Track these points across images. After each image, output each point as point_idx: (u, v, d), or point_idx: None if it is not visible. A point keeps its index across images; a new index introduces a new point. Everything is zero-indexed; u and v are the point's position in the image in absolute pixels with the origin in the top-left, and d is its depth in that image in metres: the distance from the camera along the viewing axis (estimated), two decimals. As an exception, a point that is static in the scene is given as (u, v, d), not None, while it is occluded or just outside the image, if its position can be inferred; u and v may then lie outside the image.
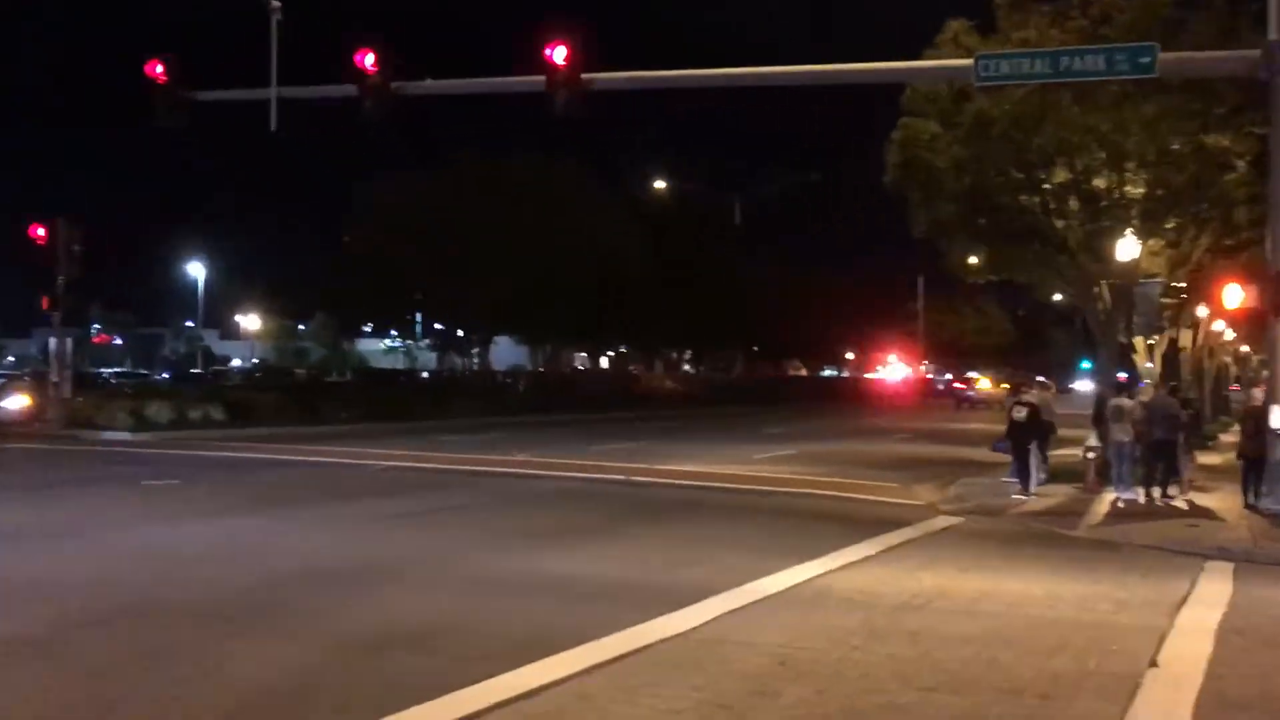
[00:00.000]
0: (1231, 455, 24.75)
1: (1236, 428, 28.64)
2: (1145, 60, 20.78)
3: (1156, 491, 22.10)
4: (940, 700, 8.84)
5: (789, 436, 42.38)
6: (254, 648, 9.98)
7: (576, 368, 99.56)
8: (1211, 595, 13.36)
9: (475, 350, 70.85)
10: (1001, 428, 25.23)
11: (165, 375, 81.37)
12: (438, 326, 76.04)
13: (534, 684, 8.94)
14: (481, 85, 25.40)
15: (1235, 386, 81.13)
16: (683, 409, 65.50)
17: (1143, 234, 27.49)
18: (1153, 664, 10.13)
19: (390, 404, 49.90)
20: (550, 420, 51.00)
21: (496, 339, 72.91)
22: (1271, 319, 20.45)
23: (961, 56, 24.48)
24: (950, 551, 16.29)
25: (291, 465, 27.76)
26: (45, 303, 39.49)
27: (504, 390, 68.54)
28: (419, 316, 77.01)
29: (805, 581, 13.48)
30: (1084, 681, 9.47)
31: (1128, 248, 26.95)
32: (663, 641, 10.39)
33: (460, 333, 71.37)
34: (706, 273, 72.32)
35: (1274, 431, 20.19)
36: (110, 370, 78.75)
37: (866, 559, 15.30)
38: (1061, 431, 27.63)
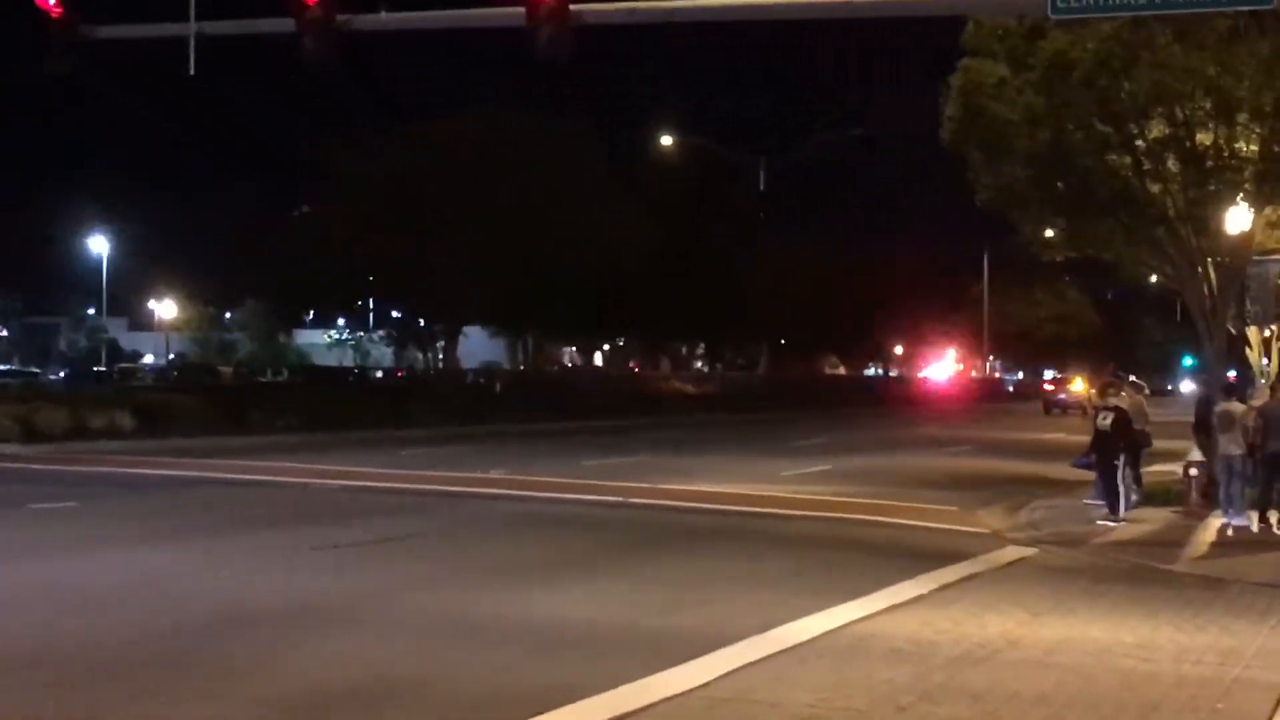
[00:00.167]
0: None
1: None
2: (1261, -12, 20.73)
3: (1274, 516, 22.03)
4: (1007, 773, 8.81)
5: (824, 449, 42.34)
6: (166, 710, 9.93)
7: (566, 364, 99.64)
8: (1341, 644, 13.32)
9: (440, 343, 70.76)
10: (1088, 438, 25.18)
11: (61, 374, 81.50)
12: (395, 315, 76.03)
13: (507, 753, 8.92)
14: (448, 19, 25.30)
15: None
16: (696, 416, 65.51)
17: (1258, 201, 27.41)
18: (1268, 728, 10.12)
19: (337, 409, 50.03)
20: (534, 430, 51.01)
21: (466, 330, 72.85)
22: None
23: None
24: (1020, 591, 16.23)
25: (215, 485, 27.73)
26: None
27: (476, 392, 68.61)
28: (371, 302, 77.00)
29: (842, 627, 13.45)
30: (1184, 750, 9.44)
31: (1239, 218, 26.89)
32: (666, 701, 10.35)
33: (422, 322, 71.31)
34: (724, 250, 72.33)
35: None
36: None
37: (918, 599, 15.25)
38: (1158, 443, 27.58)
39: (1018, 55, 27.59)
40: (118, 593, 14.78)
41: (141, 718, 9.74)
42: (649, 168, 73.38)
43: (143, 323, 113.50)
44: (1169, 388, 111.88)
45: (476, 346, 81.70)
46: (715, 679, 11.07)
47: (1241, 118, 26.59)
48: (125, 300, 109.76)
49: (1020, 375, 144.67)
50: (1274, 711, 10.57)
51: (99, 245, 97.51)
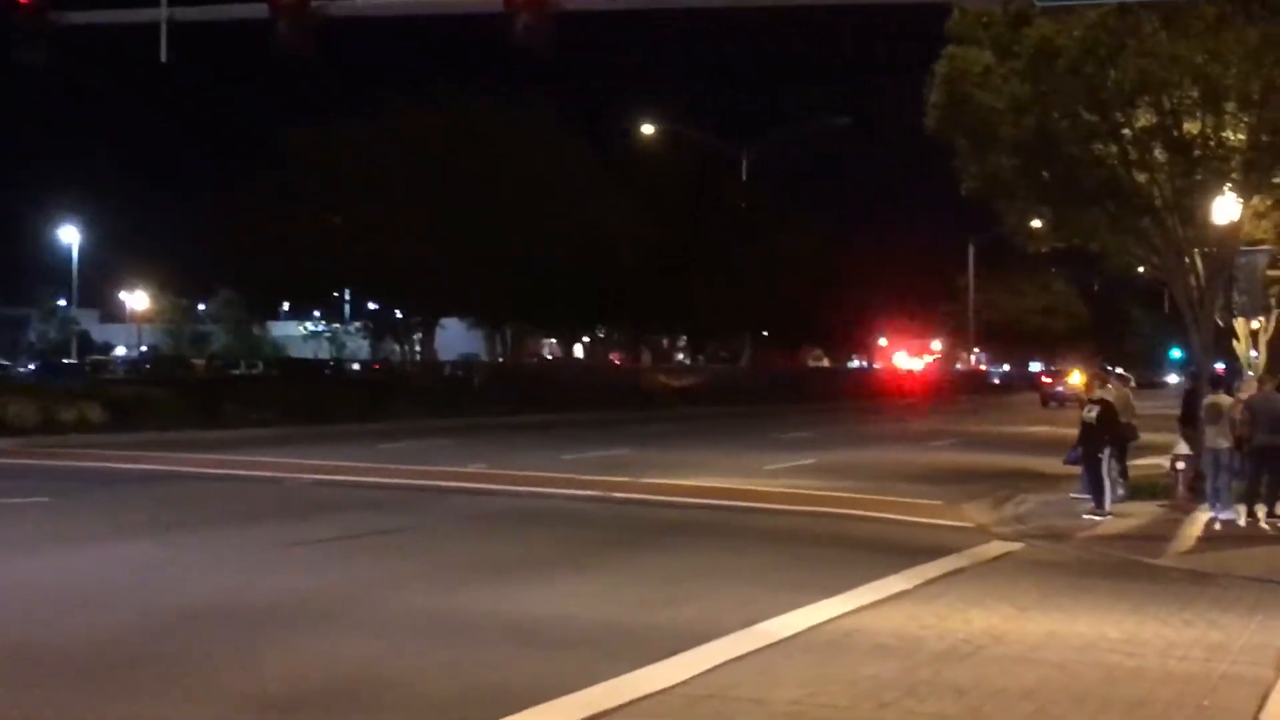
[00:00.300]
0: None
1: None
2: (1248, -25, 20.81)
3: (1262, 510, 22.12)
4: (992, 770, 8.85)
5: (808, 443, 42.40)
6: (143, 709, 9.92)
7: (546, 357, 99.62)
8: (1328, 639, 13.39)
9: (417, 336, 70.71)
10: (1075, 432, 25.27)
11: (31, 367, 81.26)
12: (372, 306, 75.90)
13: (486, 751, 8.93)
14: (425, 6, 25.33)
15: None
16: (678, 408, 65.57)
17: (1245, 191, 27.50)
18: (1255, 724, 10.18)
19: (313, 402, 49.93)
20: (513, 423, 51.00)
21: (443, 322, 72.81)
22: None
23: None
24: (1006, 585, 16.28)
25: (188, 479, 27.69)
26: None
27: (455, 385, 68.56)
28: (347, 294, 76.88)
29: (826, 622, 13.47)
30: (1170, 746, 9.49)
31: (1226, 208, 26.97)
32: (647, 698, 10.36)
33: (399, 314, 71.23)
34: (706, 241, 72.35)
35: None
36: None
37: (902, 594, 15.29)
38: (1145, 436, 27.70)
39: (1003, 42, 27.62)
40: (90, 590, 14.75)
41: (117, 717, 9.71)
42: (631, 157, 73.29)
43: (114, 314, 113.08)
44: (1155, 380, 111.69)
45: (454, 338, 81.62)
46: (697, 675, 11.09)
47: (1229, 106, 26.66)
48: (96, 291, 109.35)
49: (1006, 367, 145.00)
50: (1260, 707, 10.63)
51: (69, 235, 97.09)
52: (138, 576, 15.73)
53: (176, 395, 47.37)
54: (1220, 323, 29.81)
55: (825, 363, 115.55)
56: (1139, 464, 27.79)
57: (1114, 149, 28.18)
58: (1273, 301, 34.04)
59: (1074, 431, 24.72)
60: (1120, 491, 24.50)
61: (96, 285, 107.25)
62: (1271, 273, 31.03)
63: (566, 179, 60.65)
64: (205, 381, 64.20)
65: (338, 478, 28.08)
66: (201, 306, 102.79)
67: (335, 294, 75.94)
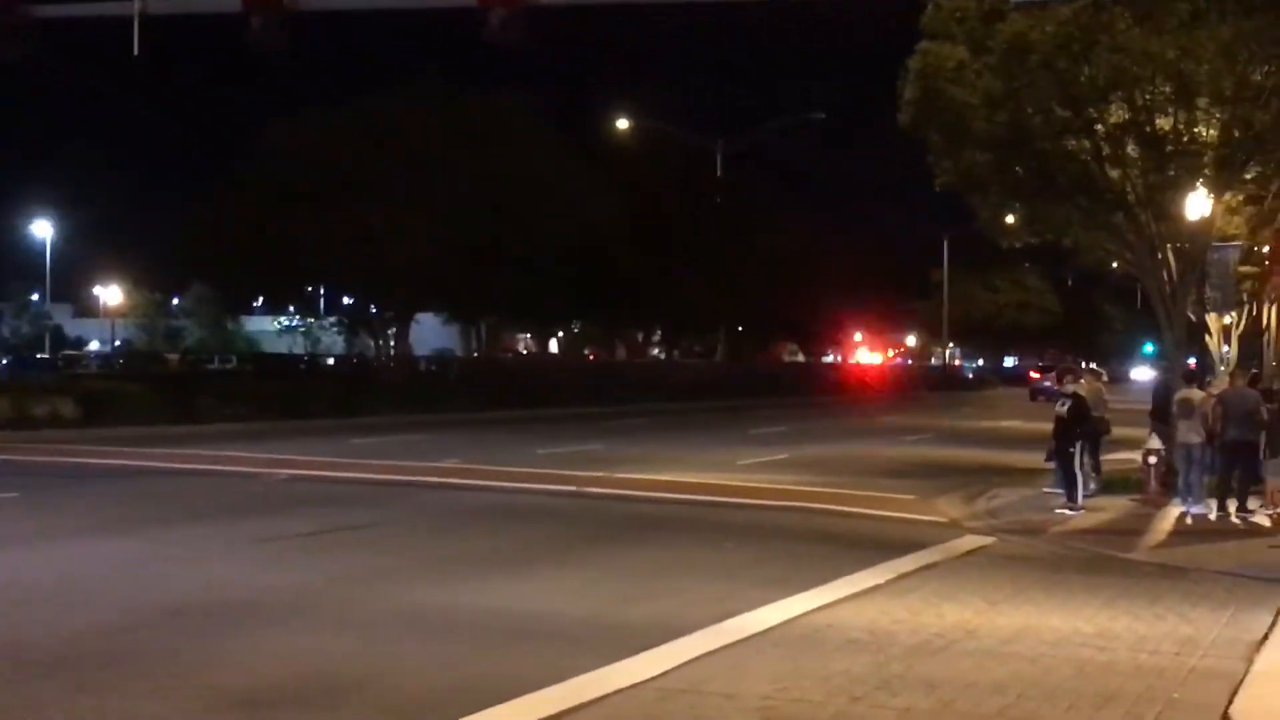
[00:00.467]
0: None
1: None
2: (1220, -29, 20.88)
3: (1233, 504, 22.22)
4: (963, 764, 8.88)
5: (781, 437, 42.47)
6: (108, 707, 9.87)
7: (520, 351, 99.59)
8: (1298, 632, 13.46)
9: (392, 330, 70.54)
10: (1041, 427, 25.37)
11: (3, 362, 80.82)
12: (346, 301, 75.74)
13: (459, 747, 8.92)
14: (398, 0, 25.27)
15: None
16: (653, 403, 65.50)
17: (1217, 186, 27.60)
18: (1225, 717, 10.19)
19: (287, 398, 49.82)
20: (488, 418, 50.98)
21: (418, 317, 72.66)
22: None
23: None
24: (979, 580, 16.33)
25: (161, 474, 27.60)
26: None
27: (429, 380, 68.46)
28: (322, 289, 76.64)
29: (799, 617, 13.50)
30: (1140, 740, 9.53)
31: (1198, 203, 27.07)
32: (619, 693, 10.36)
33: (373, 309, 71.07)
34: (682, 235, 72.36)
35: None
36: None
37: (874, 589, 15.33)
38: (1118, 430, 27.79)
39: (976, 38, 27.67)
40: (63, 585, 14.68)
41: (87, 712, 9.67)
42: (608, 151, 73.24)
43: (88, 309, 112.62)
44: (1120, 375, 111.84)
45: (430, 333, 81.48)
46: (670, 670, 11.10)
47: (1201, 102, 26.75)
48: (70, 286, 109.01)
49: (980, 362, 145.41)
50: (1230, 700, 10.67)
51: (42, 230, 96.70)
52: (111, 572, 15.66)
53: (150, 390, 47.19)
54: (1193, 317, 29.93)
55: (800, 358, 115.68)
56: (1112, 458, 27.87)
57: (1087, 144, 28.25)
58: (1244, 296, 34.21)
59: (1048, 427, 24.81)
60: (1092, 486, 24.61)
61: (70, 280, 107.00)
62: (1243, 268, 31.17)
63: (544, 173, 60.55)
64: (179, 376, 64.00)
65: (312, 473, 28.01)
66: (175, 301, 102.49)
67: (309, 289, 75.65)
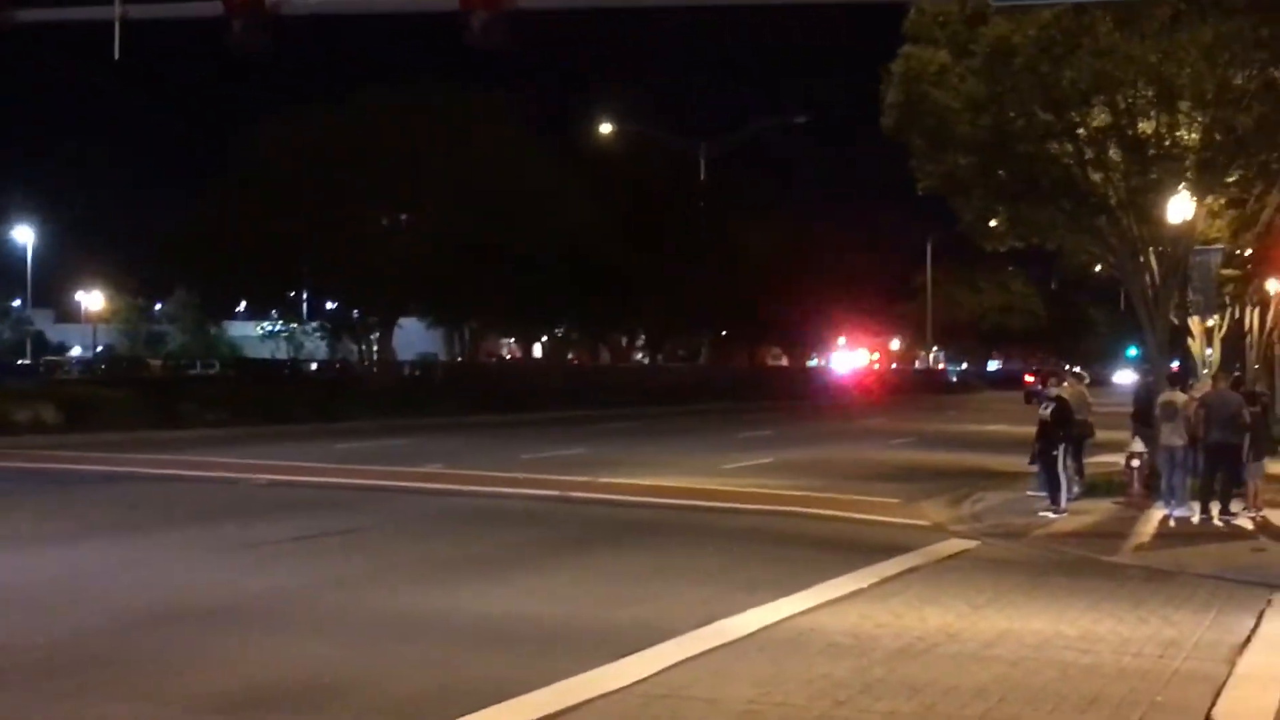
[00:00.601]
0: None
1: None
2: (1202, -26, 20.95)
3: (1215, 507, 22.27)
4: (945, 767, 8.89)
5: (767, 441, 42.49)
6: (97, 710, 9.86)
7: (503, 356, 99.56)
8: (1280, 635, 13.51)
9: (375, 335, 70.45)
10: (1025, 430, 25.43)
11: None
12: (329, 306, 75.60)
13: (441, 752, 8.91)
14: (379, 4, 25.23)
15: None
16: (637, 408, 65.51)
17: (1199, 189, 27.68)
18: (1208, 719, 10.23)
19: (270, 402, 49.76)
20: (472, 422, 50.93)
21: (402, 321, 72.59)
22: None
23: (976, -31, 24.60)
24: (962, 583, 16.35)
25: (143, 480, 27.54)
26: None
27: (413, 385, 68.39)
28: (305, 293, 76.46)
29: (782, 621, 13.51)
30: (1123, 742, 9.55)
31: (1181, 207, 27.14)
32: (603, 697, 10.37)
33: (356, 313, 70.99)
34: (665, 239, 72.41)
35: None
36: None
37: (858, 593, 15.34)
38: (1102, 434, 27.85)
39: (959, 41, 27.74)
40: (43, 591, 14.66)
41: (61, 716, 9.65)
42: (591, 154, 73.27)
43: (70, 315, 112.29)
44: (1103, 378, 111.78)
45: (413, 338, 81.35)
46: (653, 674, 11.10)
47: (1183, 105, 26.83)
48: (51, 292, 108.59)
49: (965, 365, 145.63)
50: (1213, 703, 10.70)
51: (23, 235, 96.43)
52: (92, 578, 15.63)
53: (132, 395, 47.12)
54: (1175, 321, 30.01)
55: (784, 361, 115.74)
56: (1095, 461, 27.93)
57: (1069, 148, 28.32)
58: (1226, 300, 34.33)
59: (1034, 430, 24.84)
60: (1076, 489, 24.64)
61: (51, 285, 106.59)
62: (1225, 271, 31.27)
63: (528, 175, 60.58)
64: (161, 381, 63.97)
65: (294, 478, 27.96)
66: (158, 307, 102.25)
67: (292, 293, 75.52)
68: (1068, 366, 36.90)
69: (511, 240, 59.18)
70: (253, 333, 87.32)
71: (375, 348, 70.96)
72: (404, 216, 57.79)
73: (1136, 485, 24.54)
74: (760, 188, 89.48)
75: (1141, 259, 28.78)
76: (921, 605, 14.56)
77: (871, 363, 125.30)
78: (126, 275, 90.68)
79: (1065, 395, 24.61)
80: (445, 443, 39.70)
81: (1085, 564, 18.31)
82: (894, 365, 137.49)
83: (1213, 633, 13.49)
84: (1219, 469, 22.46)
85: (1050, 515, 22.56)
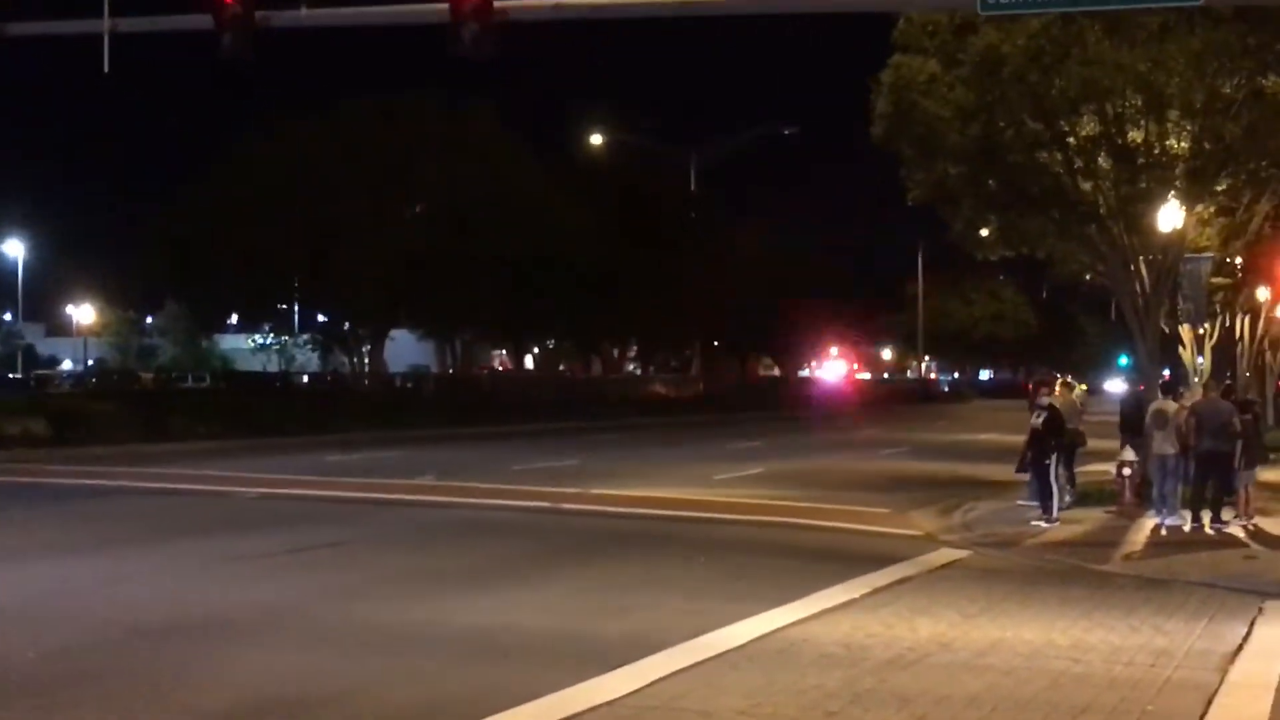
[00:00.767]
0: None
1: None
2: (1190, -16, 20.98)
3: (1207, 516, 22.26)
4: (937, 778, 8.86)
5: (758, 451, 42.47)
6: (77, 725, 9.82)
7: (495, 367, 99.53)
8: (1271, 643, 13.45)
9: (366, 348, 70.43)
10: (1016, 439, 25.42)
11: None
12: (321, 318, 75.59)
13: (430, 766, 8.87)
14: (369, 16, 25.13)
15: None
16: (629, 419, 65.49)
17: (1189, 198, 27.75)
18: (1199, 729, 10.23)
19: (261, 415, 49.62)
20: (463, 434, 50.85)
21: (393, 334, 72.59)
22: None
23: (965, -22, 24.62)
24: (953, 593, 16.30)
25: (132, 494, 27.45)
26: None
27: (404, 397, 68.34)
28: (296, 305, 76.47)
29: (773, 632, 13.46)
30: (1114, 752, 9.52)
31: (1170, 215, 27.19)
32: (591, 710, 10.32)
33: (347, 326, 70.98)
34: (656, 250, 72.43)
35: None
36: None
37: (849, 603, 15.30)
38: (1093, 442, 27.84)
39: (948, 51, 27.83)
40: (33, 605, 14.60)
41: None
42: (581, 166, 73.37)
43: (61, 328, 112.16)
44: (1103, 386, 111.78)
45: (405, 350, 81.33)
46: (644, 686, 11.06)
47: (1172, 114, 26.92)
48: (42, 306, 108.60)
49: (956, 375, 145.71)
50: (1204, 712, 10.68)
51: (14, 249, 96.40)
52: (81, 592, 15.58)
53: (123, 409, 47.00)
54: (1166, 329, 30.05)
55: (776, 372, 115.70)
56: (1086, 470, 27.92)
57: (1059, 156, 28.41)
58: (1217, 308, 34.40)
59: (1019, 438, 24.81)
60: (1067, 498, 24.63)
61: (42, 299, 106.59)
62: (1215, 280, 31.34)
63: (517, 188, 60.63)
64: (152, 395, 63.76)
65: (286, 491, 27.89)
66: (149, 320, 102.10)
67: (283, 306, 75.48)
68: (1059, 375, 36.95)
69: (502, 249, 59.23)
70: (244, 345, 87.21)
71: (367, 360, 70.94)
72: (393, 226, 57.70)
73: (1128, 494, 24.56)
74: (751, 198, 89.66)
75: (1132, 267, 28.84)
76: (913, 615, 14.53)
77: (852, 372, 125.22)
78: (117, 288, 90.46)
79: (1057, 404, 24.61)
80: (437, 454, 39.63)
81: (1077, 573, 18.28)
82: (885, 375, 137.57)
83: (1204, 641, 13.47)
84: (1210, 477, 22.44)
85: (1042, 524, 22.53)
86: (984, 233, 33.72)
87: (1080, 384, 42.20)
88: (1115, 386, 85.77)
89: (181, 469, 32.57)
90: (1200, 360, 33.86)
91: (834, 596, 15.60)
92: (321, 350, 75.53)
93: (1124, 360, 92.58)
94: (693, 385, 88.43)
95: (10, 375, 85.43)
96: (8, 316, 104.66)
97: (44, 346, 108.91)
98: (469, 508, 25.25)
